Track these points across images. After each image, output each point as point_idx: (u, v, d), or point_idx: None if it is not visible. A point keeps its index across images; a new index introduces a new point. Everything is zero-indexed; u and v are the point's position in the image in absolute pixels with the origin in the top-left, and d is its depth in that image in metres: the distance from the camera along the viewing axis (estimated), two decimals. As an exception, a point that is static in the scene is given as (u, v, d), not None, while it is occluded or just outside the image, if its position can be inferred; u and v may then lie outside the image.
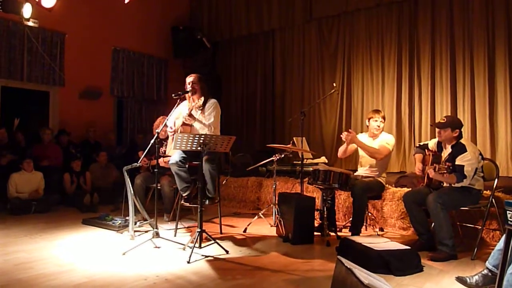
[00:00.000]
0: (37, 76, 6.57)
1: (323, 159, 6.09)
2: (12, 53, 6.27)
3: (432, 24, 6.14)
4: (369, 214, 4.58)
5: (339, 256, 2.53)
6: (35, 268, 3.15)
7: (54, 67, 6.76)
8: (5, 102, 6.41)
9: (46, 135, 6.23)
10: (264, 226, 4.69)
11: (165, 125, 4.15)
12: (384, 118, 4.42)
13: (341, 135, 4.39)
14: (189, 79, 4.24)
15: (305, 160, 5.05)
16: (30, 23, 5.92)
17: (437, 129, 3.75)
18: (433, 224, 3.71)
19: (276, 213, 4.50)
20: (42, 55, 6.59)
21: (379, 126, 4.36)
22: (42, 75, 6.64)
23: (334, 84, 5.35)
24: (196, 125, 4.13)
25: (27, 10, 5.41)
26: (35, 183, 5.59)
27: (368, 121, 4.44)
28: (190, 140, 3.57)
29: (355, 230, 4.09)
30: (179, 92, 4.01)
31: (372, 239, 3.53)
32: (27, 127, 6.54)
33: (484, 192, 3.79)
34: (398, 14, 6.47)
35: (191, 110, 4.01)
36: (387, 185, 4.64)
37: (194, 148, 3.61)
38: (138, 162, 3.94)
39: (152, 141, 3.80)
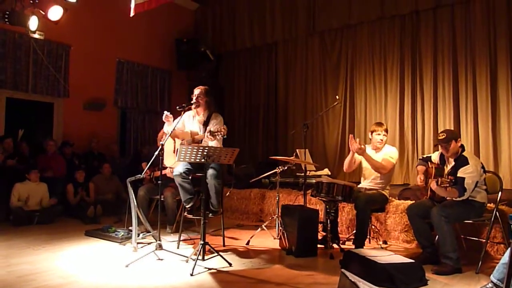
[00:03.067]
0: (42, 88, 6.64)
1: (326, 171, 6.10)
2: (17, 64, 6.35)
3: (434, 37, 6.20)
4: (373, 226, 4.57)
5: (343, 270, 2.54)
6: (38, 280, 3.16)
7: (59, 79, 6.84)
8: (10, 113, 6.45)
9: (50, 146, 6.28)
10: (267, 239, 4.69)
11: (168, 136, 4.14)
12: (386, 131, 4.42)
13: (352, 141, 4.28)
14: (196, 91, 4.28)
15: (308, 172, 5.06)
16: (36, 35, 5.98)
17: (443, 146, 3.73)
18: (437, 237, 3.70)
19: (279, 226, 4.50)
20: (47, 66, 6.67)
21: (382, 140, 4.36)
22: (47, 87, 6.72)
23: (337, 97, 5.38)
24: (213, 143, 4.00)
25: (33, 23, 5.47)
26: (39, 193, 5.62)
27: (371, 134, 4.45)
28: (194, 152, 3.59)
29: (359, 243, 4.08)
30: (183, 104, 4.05)
31: (376, 252, 3.52)
32: (31, 138, 6.60)
33: (488, 205, 3.80)
34: (400, 27, 6.54)
35: (209, 132, 3.79)
36: (390, 198, 4.64)
37: (198, 160, 3.64)
38: (142, 174, 3.96)
39: (156, 153, 3.83)
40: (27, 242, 4.36)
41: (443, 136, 3.68)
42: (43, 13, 5.06)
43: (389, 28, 6.65)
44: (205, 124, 4.28)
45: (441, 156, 3.91)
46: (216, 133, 3.73)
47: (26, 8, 5.33)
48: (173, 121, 4.16)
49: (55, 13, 5.13)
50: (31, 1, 5.03)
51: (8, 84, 6.26)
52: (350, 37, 7.11)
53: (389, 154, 4.31)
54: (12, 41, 6.26)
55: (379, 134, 4.36)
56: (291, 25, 7.62)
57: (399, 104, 6.49)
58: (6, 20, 5.35)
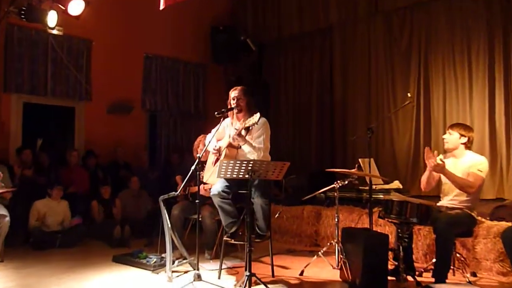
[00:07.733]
0: (61, 90, 7.01)
1: (396, 183, 5.97)
2: (35, 65, 6.71)
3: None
4: (457, 254, 4.44)
5: (422, 313, 2.49)
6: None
7: (80, 80, 7.18)
8: (27, 121, 6.82)
9: (72, 157, 6.60)
10: (324, 268, 4.67)
11: (206, 150, 4.24)
12: (459, 132, 4.24)
13: (429, 155, 4.22)
14: (233, 93, 4.36)
15: (374, 186, 4.99)
16: (55, 31, 6.31)
17: None
18: (542, 270, 3.54)
19: (340, 253, 4.47)
20: (67, 66, 7.02)
21: (444, 139, 4.34)
22: (67, 89, 7.08)
23: (409, 94, 5.23)
24: (245, 148, 4.22)
25: (52, 18, 5.79)
26: (61, 212, 5.92)
27: None
28: (237, 167, 3.65)
29: (440, 276, 3.96)
30: (223, 110, 4.15)
31: (462, 289, 3.43)
32: (51, 148, 6.95)
33: None
34: (487, 3, 6.29)
35: (241, 129, 4.07)
36: (479, 218, 4.48)
37: (241, 176, 3.69)
38: (177, 191, 4.08)
39: (192, 168, 3.92)
40: (50, 269, 4.60)
41: None
42: (63, 7, 5.35)
43: (473, 5, 6.43)
44: (247, 128, 4.29)
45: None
46: (239, 132, 3.98)
47: (44, 3, 5.66)
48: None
49: (76, 7, 5.40)
50: (49, -5, 5.35)
51: (25, 87, 6.62)
52: (423, 16, 6.95)
53: (476, 165, 4.13)
54: (28, 39, 6.63)
55: (447, 134, 4.31)
56: (348, 4, 7.58)
57: (488, 98, 6.26)
58: (23, 16, 5.72)
